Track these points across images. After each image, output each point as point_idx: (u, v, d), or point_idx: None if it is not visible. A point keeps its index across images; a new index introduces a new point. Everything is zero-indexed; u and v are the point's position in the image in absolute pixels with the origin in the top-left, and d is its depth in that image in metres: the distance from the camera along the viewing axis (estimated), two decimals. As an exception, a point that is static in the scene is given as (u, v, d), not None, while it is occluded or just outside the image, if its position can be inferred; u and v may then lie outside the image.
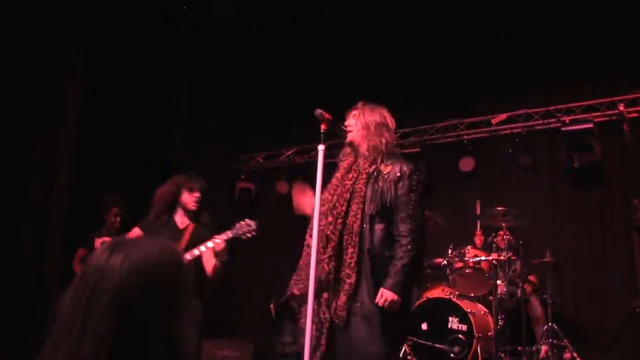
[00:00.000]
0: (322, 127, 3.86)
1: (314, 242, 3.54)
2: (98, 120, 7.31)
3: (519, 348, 6.03)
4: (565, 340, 6.03)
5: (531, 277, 6.77)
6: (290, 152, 9.01)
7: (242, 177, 9.10)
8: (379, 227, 3.50)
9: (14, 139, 6.77)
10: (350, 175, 3.83)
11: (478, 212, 6.99)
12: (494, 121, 7.47)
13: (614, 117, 6.88)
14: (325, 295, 3.53)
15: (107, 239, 6.18)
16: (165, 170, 8.45)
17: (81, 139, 7.25)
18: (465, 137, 7.70)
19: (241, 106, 9.45)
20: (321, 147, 3.88)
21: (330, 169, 4.11)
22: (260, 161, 9.28)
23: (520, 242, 6.22)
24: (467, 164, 7.61)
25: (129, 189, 7.01)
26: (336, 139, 7.56)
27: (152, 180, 7.96)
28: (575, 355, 5.99)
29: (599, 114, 6.98)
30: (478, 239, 6.83)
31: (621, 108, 6.71)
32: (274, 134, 9.31)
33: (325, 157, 3.78)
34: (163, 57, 7.95)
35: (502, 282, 6.24)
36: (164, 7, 7.67)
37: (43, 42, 6.98)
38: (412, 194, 3.51)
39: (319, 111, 3.82)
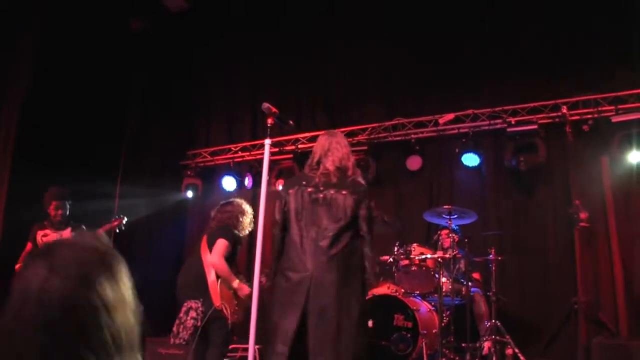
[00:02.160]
0: (269, 121, 3.88)
1: (259, 237, 3.61)
2: (44, 115, 7.20)
3: (463, 344, 6.09)
4: (507, 337, 6.12)
5: (476, 275, 6.86)
6: (237, 148, 8.91)
7: (189, 173, 8.98)
8: None
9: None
10: None
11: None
12: (441, 121, 7.53)
13: (557, 119, 7.01)
14: None
15: (49, 231, 6.02)
16: (114, 165, 8.38)
17: (27, 134, 7.12)
18: (412, 136, 7.75)
19: (189, 101, 9.37)
20: (267, 141, 3.89)
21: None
22: (207, 157, 9.17)
23: (465, 240, 6.29)
24: (414, 163, 7.67)
25: (76, 185, 6.89)
26: (286, 135, 7.54)
27: (100, 176, 7.89)
28: (517, 351, 6.08)
29: (543, 115, 7.12)
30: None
31: (564, 110, 6.82)
32: (221, 130, 9.24)
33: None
34: (112, 51, 7.82)
35: (448, 279, 6.30)
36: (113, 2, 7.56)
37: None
38: None
39: (266, 105, 3.84)
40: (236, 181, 8.57)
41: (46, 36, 7.11)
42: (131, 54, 8.02)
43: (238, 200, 5.57)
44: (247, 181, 8.57)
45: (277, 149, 8.36)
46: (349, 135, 8.10)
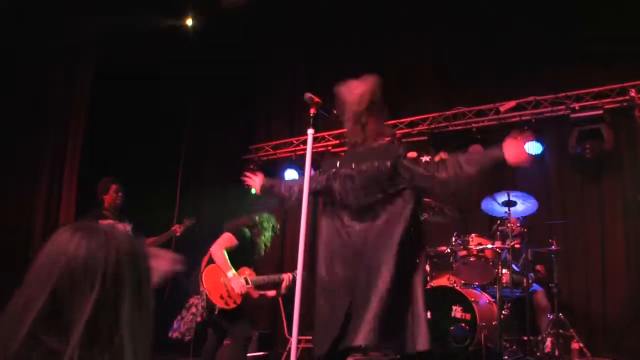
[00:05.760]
0: (312, 111, 3.85)
1: (302, 229, 3.58)
2: (108, 113, 7.43)
3: (524, 337, 5.94)
4: (571, 330, 5.94)
5: (539, 267, 6.67)
6: (298, 142, 8.96)
7: (251, 166, 9.07)
8: None
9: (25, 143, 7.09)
10: None
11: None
12: (502, 109, 7.34)
13: (625, 104, 6.72)
14: None
15: (112, 222, 6.08)
16: (177, 161, 8.59)
17: (91, 131, 7.38)
18: (473, 125, 7.60)
19: (251, 95, 9.48)
20: (310, 131, 3.87)
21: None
22: (270, 151, 9.26)
23: (525, 230, 6.12)
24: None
25: (139, 183, 7.11)
26: (339, 128, 7.46)
27: (163, 172, 8.11)
28: (582, 345, 5.89)
29: (609, 100, 6.83)
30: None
31: (632, 94, 6.55)
32: (283, 123, 9.32)
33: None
34: (172, 49, 8.00)
35: (508, 270, 6.15)
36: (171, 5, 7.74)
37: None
38: None
39: (308, 95, 3.82)
40: (298, 174, 8.61)
41: (108, 34, 7.34)
42: (191, 50, 8.16)
43: (266, 214, 5.60)
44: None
45: (337, 142, 8.37)
46: (409, 125, 8.03)
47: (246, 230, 5.36)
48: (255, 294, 5.32)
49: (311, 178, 3.84)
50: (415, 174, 3.68)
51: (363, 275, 3.66)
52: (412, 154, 3.79)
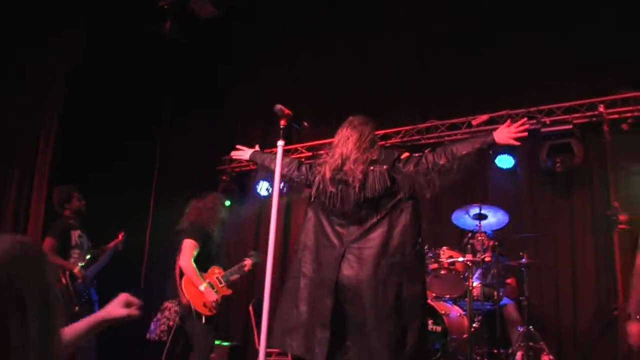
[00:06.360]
0: (282, 122, 3.85)
1: (271, 234, 3.53)
2: (81, 119, 7.34)
3: (495, 350, 5.95)
4: (542, 343, 5.95)
5: (510, 280, 6.69)
6: (272, 153, 8.91)
7: (224, 178, 9.01)
8: None
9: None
10: None
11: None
12: (474, 122, 7.39)
13: (594, 119, 6.81)
14: None
15: (79, 231, 5.96)
16: (149, 171, 8.52)
17: (64, 137, 7.30)
18: (446, 138, 7.62)
19: (225, 106, 9.44)
20: (280, 143, 3.88)
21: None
22: (243, 162, 9.19)
23: (496, 243, 6.15)
24: (447, 165, 7.54)
25: (113, 193, 7.03)
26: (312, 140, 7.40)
27: (134, 183, 8.02)
28: (552, 358, 5.91)
29: (579, 115, 6.91)
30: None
31: (601, 109, 6.63)
32: (256, 135, 9.27)
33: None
34: (147, 57, 7.95)
35: (479, 284, 6.17)
36: (146, 9, 7.68)
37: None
38: None
39: (278, 106, 3.82)
40: (271, 186, 8.57)
41: (90, 39, 7.30)
42: (165, 60, 8.12)
43: (212, 194, 5.71)
44: (285, 188, 8.54)
45: (309, 154, 8.35)
46: (382, 138, 8.04)
47: (205, 227, 5.37)
48: (229, 291, 5.37)
49: (299, 168, 4.33)
50: (413, 171, 3.70)
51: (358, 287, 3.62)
52: (406, 154, 3.89)
